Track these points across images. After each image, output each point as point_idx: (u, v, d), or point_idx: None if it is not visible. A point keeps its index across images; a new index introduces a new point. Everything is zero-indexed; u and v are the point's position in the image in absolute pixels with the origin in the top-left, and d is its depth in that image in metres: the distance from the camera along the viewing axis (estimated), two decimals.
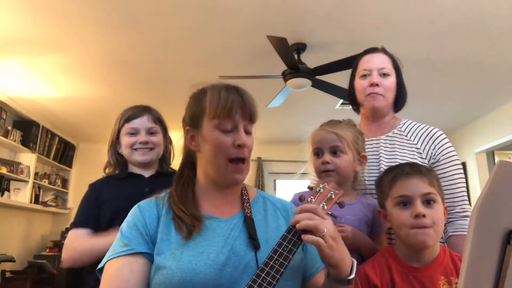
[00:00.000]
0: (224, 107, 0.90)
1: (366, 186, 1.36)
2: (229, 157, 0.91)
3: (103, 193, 1.50)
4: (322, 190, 0.94)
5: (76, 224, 1.48)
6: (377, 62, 1.40)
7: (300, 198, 0.94)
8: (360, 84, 1.41)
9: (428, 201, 1.06)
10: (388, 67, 1.40)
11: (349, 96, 1.51)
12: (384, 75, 1.38)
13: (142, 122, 1.51)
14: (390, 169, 1.17)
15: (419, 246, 1.05)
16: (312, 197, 0.92)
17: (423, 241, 1.03)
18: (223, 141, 0.90)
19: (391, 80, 1.40)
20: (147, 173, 1.53)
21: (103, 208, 1.46)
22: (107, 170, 1.58)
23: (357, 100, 1.46)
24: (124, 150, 1.52)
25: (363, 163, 1.31)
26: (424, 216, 1.02)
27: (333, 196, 0.92)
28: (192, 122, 0.97)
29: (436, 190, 1.08)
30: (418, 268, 1.06)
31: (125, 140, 1.51)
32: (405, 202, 1.06)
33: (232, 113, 0.90)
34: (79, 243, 1.42)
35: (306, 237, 0.80)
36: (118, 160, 1.56)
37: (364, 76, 1.40)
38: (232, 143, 0.90)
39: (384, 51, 1.45)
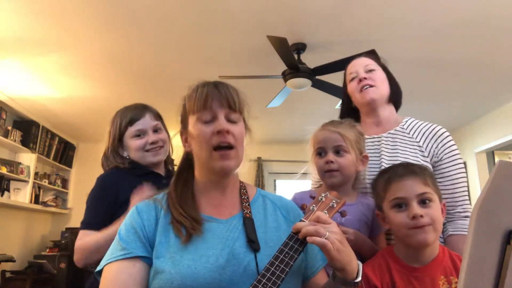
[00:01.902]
0: (200, 99, 0.92)
1: (367, 185, 1.35)
2: (212, 145, 0.90)
3: (125, 192, 1.36)
4: (324, 198, 0.94)
5: (89, 225, 1.36)
6: (360, 62, 1.47)
7: (302, 207, 0.94)
8: (351, 86, 1.45)
9: (424, 201, 1.05)
10: (372, 63, 1.46)
11: (345, 105, 1.54)
12: (370, 70, 1.43)
13: (147, 122, 1.48)
14: (384, 171, 1.17)
15: (420, 245, 1.05)
16: (314, 205, 0.92)
17: (423, 239, 1.03)
18: (204, 131, 0.91)
19: (379, 73, 1.44)
20: (161, 172, 1.52)
21: (122, 208, 1.33)
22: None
23: (353, 106, 1.49)
24: (135, 154, 1.46)
25: (365, 163, 1.31)
26: (421, 216, 1.02)
27: (335, 205, 0.92)
28: (182, 124, 0.99)
29: (432, 188, 1.08)
30: (418, 268, 1.06)
31: (133, 143, 1.46)
32: (401, 204, 1.06)
33: (207, 103, 0.91)
34: (85, 243, 1.32)
35: (312, 238, 0.79)
36: (123, 163, 1.49)
37: (352, 79, 1.45)
38: (213, 131, 0.90)
39: (365, 54, 1.52)
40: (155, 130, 1.49)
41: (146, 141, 1.46)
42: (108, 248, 0.91)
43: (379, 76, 1.43)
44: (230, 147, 0.91)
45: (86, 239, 1.33)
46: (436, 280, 1.03)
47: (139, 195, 1.30)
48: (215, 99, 0.91)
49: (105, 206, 1.37)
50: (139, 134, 1.47)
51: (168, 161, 1.57)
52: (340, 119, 1.46)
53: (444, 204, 1.12)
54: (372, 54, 1.52)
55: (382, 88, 1.41)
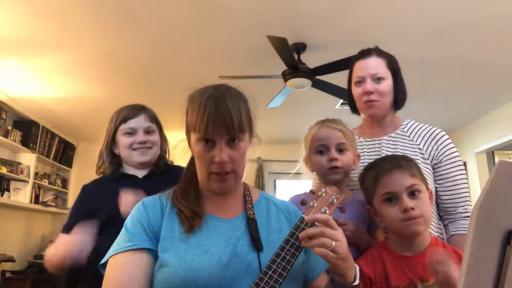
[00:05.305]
0: (201, 123, 0.86)
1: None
2: (210, 171, 0.90)
3: (94, 199, 1.45)
4: (324, 194, 0.93)
5: (65, 229, 1.44)
6: (370, 67, 1.37)
7: (302, 202, 0.93)
8: (356, 91, 1.41)
9: (413, 193, 1.08)
10: (382, 71, 1.37)
11: (349, 100, 1.51)
12: (379, 79, 1.36)
13: (139, 122, 1.49)
14: (371, 167, 1.18)
15: (412, 235, 1.08)
16: (314, 201, 0.92)
17: (415, 230, 1.07)
18: (204, 156, 0.89)
19: (386, 84, 1.37)
20: (141, 174, 1.51)
21: (97, 215, 1.40)
22: (101, 171, 1.55)
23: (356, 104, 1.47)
24: (123, 151, 1.50)
25: (357, 162, 1.33)
26: (412, 209, 1.05)
27: (335, 201, 0.92)
28: (186, 130, 0.97)
29: (419, 179, 1.11)
30: (410, 257, 1.09)
31: (123, 140, 1.49)
32: (391, 198, 1.09)
33: (208, 129, 0.86)
34: (49, 249, 1.38)
35: (318, 250, 0.79)
36: (113, 161, 1.53)
37: (358, 83, 1.39)
38: (212, 159, 0.88)
39: (377, 53, 1.41)
40: (147, 132, 1.50)
41: (135, 140, 1.47)
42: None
43: (386, 88, 1.36)
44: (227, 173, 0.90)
45: (52, 248, 1.39)
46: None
47: (124, 205, 1.30)
48: (215, 125, 0.86)
49: (79, 216, 1.42)
50: (130, 132, 1.49)
51: (160, 162, 1.55)
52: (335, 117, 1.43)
53: (431, 191, 1.15)
54: (380, 52, 1.42)
55: (386, 101, 1.38)
